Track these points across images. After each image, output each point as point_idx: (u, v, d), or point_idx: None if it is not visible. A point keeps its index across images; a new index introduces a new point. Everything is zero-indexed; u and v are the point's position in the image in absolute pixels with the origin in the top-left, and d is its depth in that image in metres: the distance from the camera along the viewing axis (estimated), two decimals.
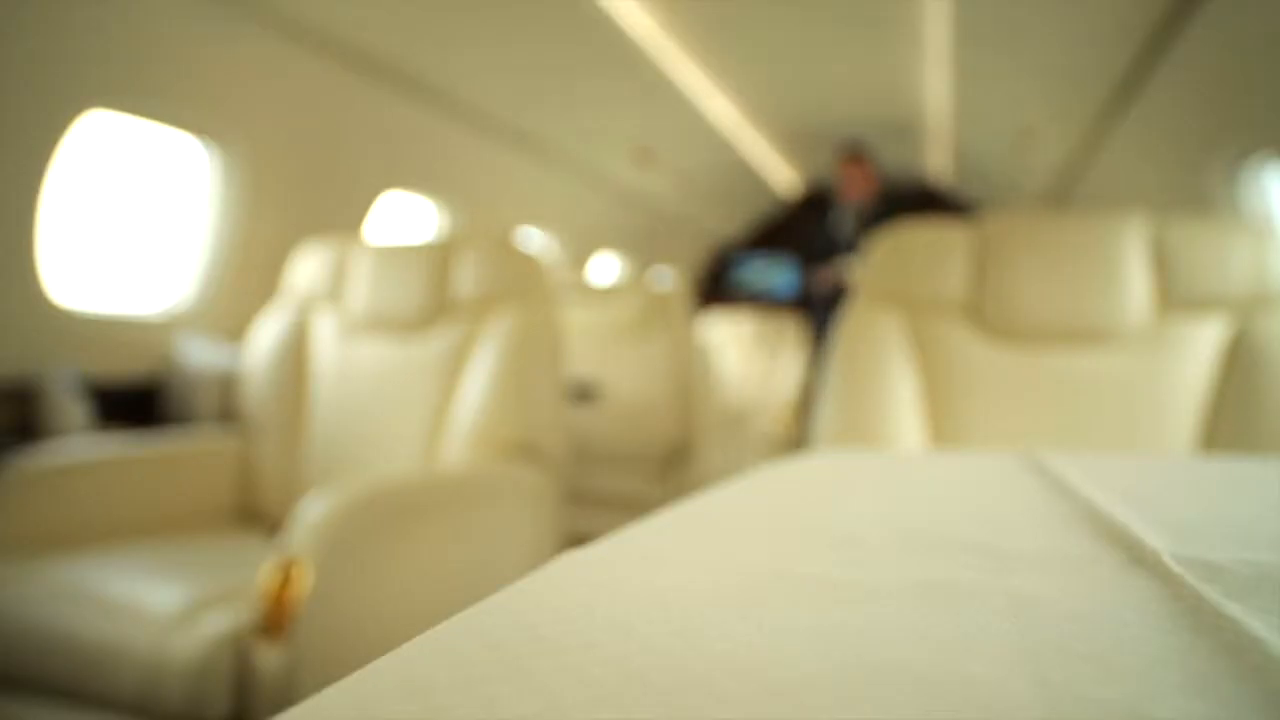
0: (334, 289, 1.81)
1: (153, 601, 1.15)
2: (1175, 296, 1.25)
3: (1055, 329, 1.27)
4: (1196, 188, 2.21)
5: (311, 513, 1.15)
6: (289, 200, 2.29)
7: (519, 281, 1.67)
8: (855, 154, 3.44)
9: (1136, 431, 1.21)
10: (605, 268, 4.78)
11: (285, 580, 1.10)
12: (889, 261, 1.39)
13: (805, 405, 3.62)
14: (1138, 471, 0.60)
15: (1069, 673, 0.20)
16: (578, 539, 0.75)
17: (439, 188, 2.95)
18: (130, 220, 2.13)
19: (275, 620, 1.09)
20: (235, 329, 2.13)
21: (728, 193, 5.18)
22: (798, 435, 3.48)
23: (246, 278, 2.21)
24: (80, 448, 1.54)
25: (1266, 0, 1.58)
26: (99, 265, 2.06)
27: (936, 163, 4.87)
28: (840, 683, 0.19)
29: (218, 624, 1.10)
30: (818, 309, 3.46)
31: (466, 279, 1.69)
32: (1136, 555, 0.32)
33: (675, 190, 4.54)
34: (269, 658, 1.09)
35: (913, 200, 3.41)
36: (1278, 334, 1.19)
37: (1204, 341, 1.22)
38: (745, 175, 4.89)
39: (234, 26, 1.91)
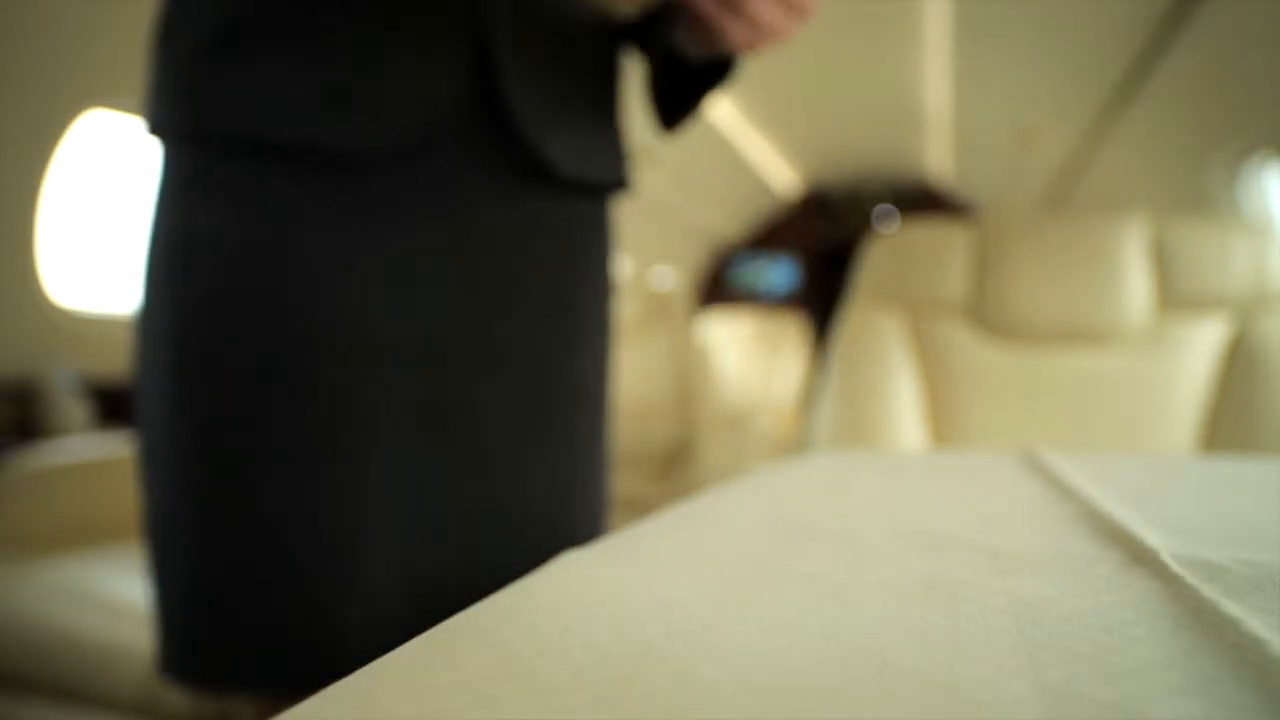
0: None
1: None
2: (1175, 296, 1.25)
3: (1055, 329, 1.27)
4: (1197, 188, 2.21)
5: None
6: None
7: None
8: None
9: (1136, 431, 1.21)
10: None
11: None
12: (889, 262, 1.39)
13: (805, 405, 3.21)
14: (1138, 471, 0.60)
15: (1069, 673, 0.20)
16: None
17: None
18: (131, 220, 2.13)
19: None
20: None
21: (728, 193, 5.18)
22: (798, 436, 3.47)
23: None
24: (80, 448, 1.54)
25: (1266, 0, 1.58)
26: (99, 265, 2.06)
27: (936, 162, 4.87)
28: (840, 682, 0.19)
29: None
30: None
31: None
32: (1136, 555, 0.32)
33: (675, 190, 4.54)
34: None
35: None
36: (1278, 334, 1.19)
37: (1204, 341, 1.22)
38: (745, 175, 4.89)
39: None
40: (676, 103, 0.72)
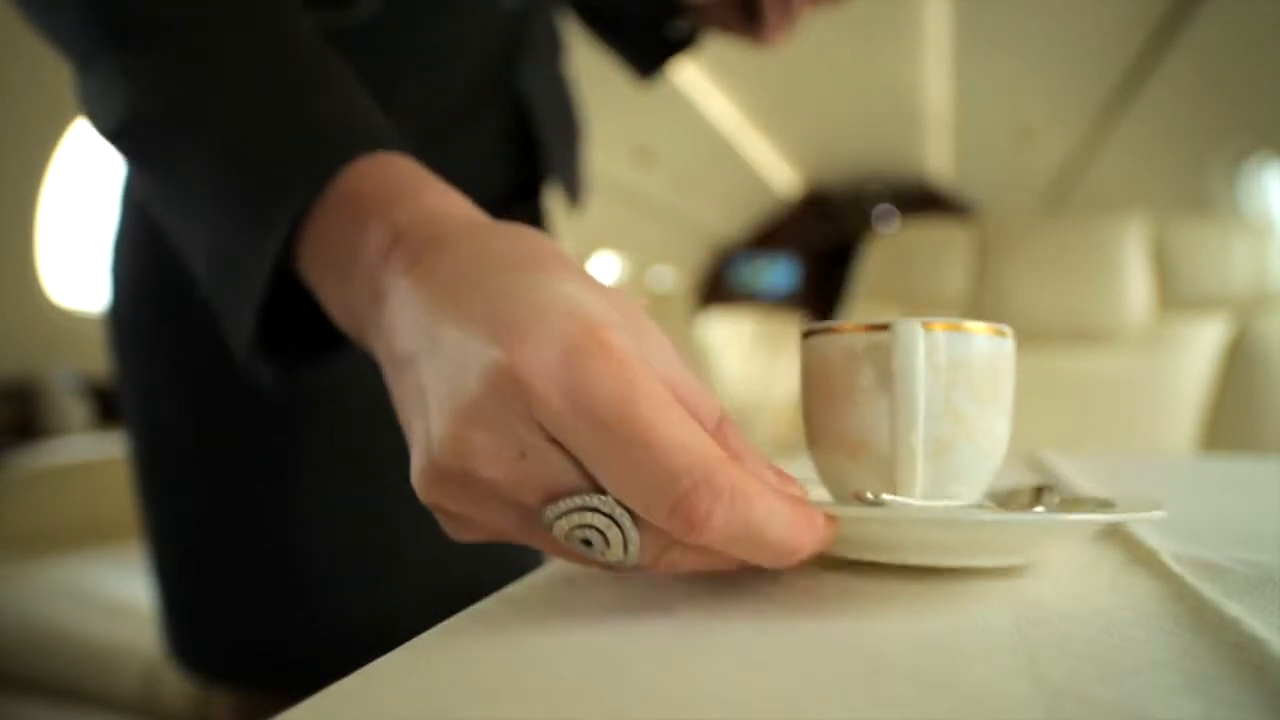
0: None
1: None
2: (1175, 296, 1.25)
3: (1055, 329, 1.27)
4: (1197, 188, 2.21)
5: None
6: None
7: None
8: None
9: (1136, 431, 1.21)
10: (605, 268, 4.79)
11: None
12: (889, 261, 1.39)
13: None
14: (1138, 471, 0.60)
15: (1069, 673, 0.20)
16: None
17: None
18: None
19: None
20: None
21: (728, 193, 5.19)
22: (798, 436, 3.46)
23: None
24: (80, 448, 1.54)
25: (1265, 0, 1.58)
26: (99, 265, 2.06)
27: (936, 162, 4.87)
28: (839, 682, 0.19)
29: None
30: None
31: None
32: (1136, 555, 0.32)
33: (675, 190, 4.54)
34: None
35: None
36: (1278, 334, 1.19)
37: (1204, 341, 1.22)
38: (745, 175, 4.89)
39: None
40: (651, 57, 0.74)
